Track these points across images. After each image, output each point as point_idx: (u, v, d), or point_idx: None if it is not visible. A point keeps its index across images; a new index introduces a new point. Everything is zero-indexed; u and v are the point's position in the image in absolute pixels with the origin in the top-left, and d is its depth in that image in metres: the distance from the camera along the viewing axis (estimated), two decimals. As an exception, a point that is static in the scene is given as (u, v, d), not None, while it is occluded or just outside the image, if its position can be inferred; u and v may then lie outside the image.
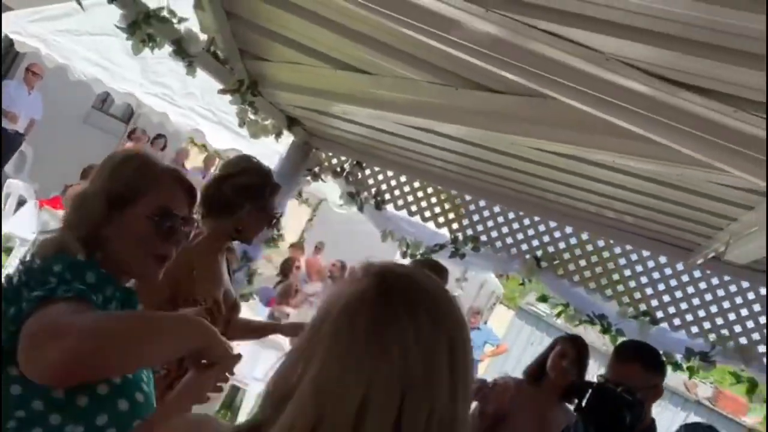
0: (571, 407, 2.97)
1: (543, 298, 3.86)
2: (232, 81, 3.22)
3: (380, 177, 4.15)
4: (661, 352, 3.39)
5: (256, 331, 2.93)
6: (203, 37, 3.06)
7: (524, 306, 11.71)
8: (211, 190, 2.32)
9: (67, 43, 6.36)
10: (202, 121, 6.65)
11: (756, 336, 3.34)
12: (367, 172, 4.18)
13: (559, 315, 3.72)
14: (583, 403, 2.26)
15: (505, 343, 9.68)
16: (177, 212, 1.43)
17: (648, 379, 2.33)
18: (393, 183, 4.12)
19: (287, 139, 4.13)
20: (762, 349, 3.32)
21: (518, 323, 11.41)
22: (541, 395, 2.95)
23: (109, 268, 1.32)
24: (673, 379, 11.26)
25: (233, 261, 2.52)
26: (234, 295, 2.44)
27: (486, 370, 9.57)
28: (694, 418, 10.35)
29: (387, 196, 4.12)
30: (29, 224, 5.63)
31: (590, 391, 2.25)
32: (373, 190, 4.14)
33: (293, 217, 11.71)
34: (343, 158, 4.18)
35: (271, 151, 4.60)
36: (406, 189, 4.09)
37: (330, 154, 4.18)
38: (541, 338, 9.45)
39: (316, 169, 4.10)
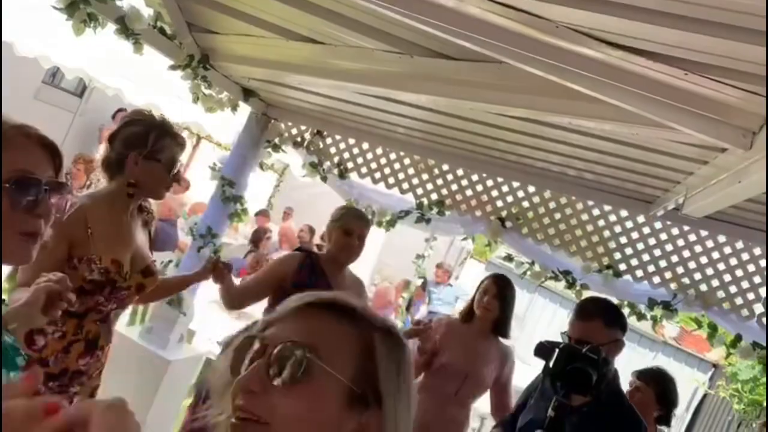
0: (506, 342, 3.33)
1: (508, 258, 3.91)
2: (181, 56, 3.13)
3: (342, 145, 4.11)
4: (625, 303, 3.52)
5: (175, 285, 2.90)
6: (148, 12, 2.95)
7: (494, 260, 11.87)
8: (105, 152, 2.27)
9: (9, 19, 6.09)
10: (158, 93, 6.47)
11: (715, 282, 3.44)
12: (329, 141, 4.13)
13: (524, 274, 3.77)
14: (550, 364, 2.31)
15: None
16: (38, 176, 1.15)
17: (609, 335, 2.40)
18: (355, 151, 4.09)
19: (245, 110, 4.05)
20: (721, 294, 3.43)
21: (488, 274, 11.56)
22: (471, 330, 3.26)
23: None
24: (641, 322, 11.62)
25: (151, 224, 2.46)
26: (149, 261, 2.36)
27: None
28: (661, 358, 10.75)
29: (350, 165, 4.09)
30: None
31: (556, 351, 2.30)
32: (336, 159, 4.10)
33: (259, 184, 11.59)
34: (303, 128, 4.11)
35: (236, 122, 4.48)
36: (369, 156, 4.06)
37: (290, 124, 4.12)
38: (511, 290, 9.61)
39: (276, 140, 4.04)
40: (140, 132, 2.23)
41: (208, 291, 5.33)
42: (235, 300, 2.97)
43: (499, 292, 3.25)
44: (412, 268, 8.39)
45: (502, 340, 3.32)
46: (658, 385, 2.95)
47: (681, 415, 9.32)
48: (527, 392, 2.82)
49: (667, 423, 3.00)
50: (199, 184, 7.39)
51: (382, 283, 8.44)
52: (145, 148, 2.21)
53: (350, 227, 3.02)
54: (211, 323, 5.93)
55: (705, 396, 10.05)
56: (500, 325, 3.28)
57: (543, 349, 2.42)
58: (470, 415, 3.34)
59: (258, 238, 8.53)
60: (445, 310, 9.67)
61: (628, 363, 11.16)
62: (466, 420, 3.30)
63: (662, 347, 11.02)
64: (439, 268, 9.67)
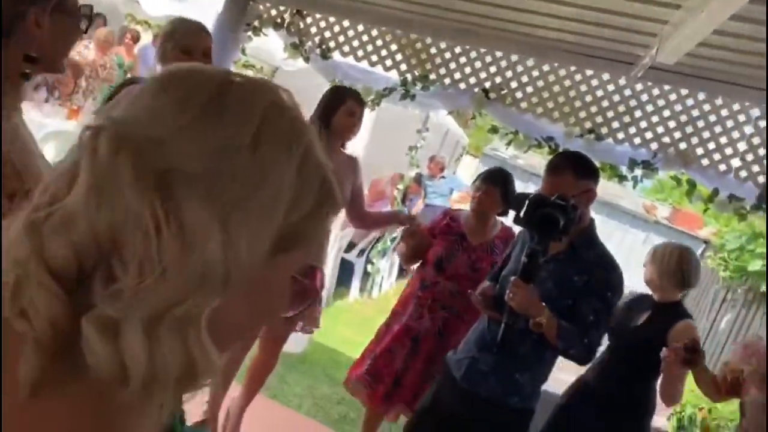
0: (350, 153, 3.32)
1: (494, 129, 3.96)
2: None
3: (323, 24, 4.06)
4: (607, 165, 3.61)
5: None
6: None
7: (488, 152, 11.94)
8: None
9: None
10: (135, -10, 6.32)
11: (695, 140, 3.51)
12: (309, 20, 4.08)
13: (509, 144, 3.83)
14: (521, 214, 2.42)
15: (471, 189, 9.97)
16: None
17: (580, 185, 2.48)
18: (336, 29, 4.04)
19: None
20: (700, 151, 3.51)
21: (483, 168, 11.66)
22: (326, 149, 3.14)
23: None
24: (633, 203, 11.87)
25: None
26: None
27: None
28: (653, 238, 11.00)
29: (332, 44, 4.06)
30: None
31: (526, 202, 2.41)
32: (317, 39, 4.07)
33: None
34: (282, 8, 4.06)
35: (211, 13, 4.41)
36: (351, 34, 4.02)
37: (268, 5, 4.05)
38: (505, 179, 9.72)
39: (256, 23, 3.99)
40: None
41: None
42: None
43: (362, 113, 3.22)
44: (402, 162, 8.44)
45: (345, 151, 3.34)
46: (502, 186, 3.18)
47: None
48: (510, 246, 2.96)
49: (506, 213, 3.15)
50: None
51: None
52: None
53: (188, 44, 2.43)
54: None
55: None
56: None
57: (516, 201, 2.53)
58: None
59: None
60: (441, 202, 9.82)
61: (621, 243, 11.46)
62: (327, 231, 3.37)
63: (654, 227, 11.27)
64: (431, 161, 9.74)
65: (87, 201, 0.50)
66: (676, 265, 2.92)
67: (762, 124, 3.41)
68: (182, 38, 2.41)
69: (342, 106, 3.14)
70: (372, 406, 3.38)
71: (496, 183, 3.20)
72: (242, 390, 3.30)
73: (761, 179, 3.41)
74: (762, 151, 3.42)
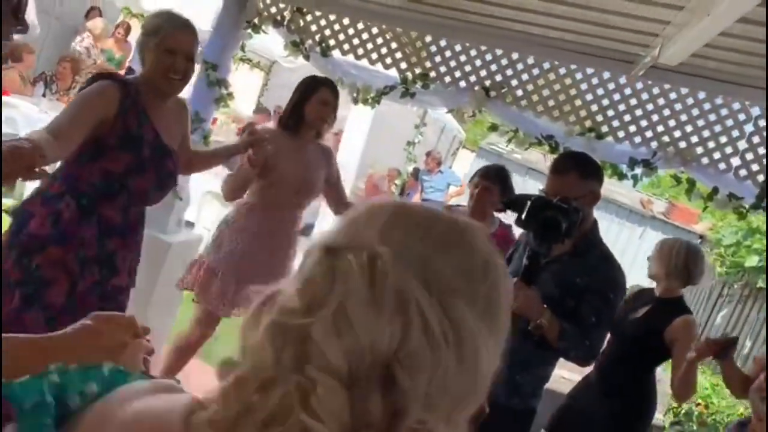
0: (323, 144, 3.39)
1: (493, 127, 3.96)
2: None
3: (323, 22, 4.05)
4: (608, 164, 3.62)
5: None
6: None
7: (484, 146, 11.92)
8: None
9: None
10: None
11: (694, 139, 3.51)
12: (309, 18, 4.06)
13: (509, 141, 3.83)
14: (523, 216, 2.41)
15: (467, 183, 9.98)
16: None
17: (584, 186, 2.48)
18: (336, 27, 4.03)
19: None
20: (700, 150, 3.52)
21: (479, 163, 11.66)
22: (299, 140, 3.20)
23: None
24: (629, 198, 11.88)
25: None
26: None
27: (453, 210, 9.90)
28: (650, 232, 11.04)
29: (332, 42, 4.05)
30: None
31: (528, 203, 2.40)
32: (317, 37, 4.06)
33: (248, 82, 11.42)
34: (282, 5, 4.04)
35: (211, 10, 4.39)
36: (351, 32, 4.01)
37: (268, 2, 4.04)
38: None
39: (256, 21, 3.97)
40: None
41: (203, 181, 5.43)
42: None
43: (336, 103, 3.23)
44: (400, 157, 8.45)
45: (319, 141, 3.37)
46: (501, 183, 3.23)
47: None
48: (513, 248, 2.97)
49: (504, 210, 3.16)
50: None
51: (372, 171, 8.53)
52: None
53: (174, 45, 2.31)
54: (207, 213, 6.07)
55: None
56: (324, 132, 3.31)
57: (516, 202, 2.52)
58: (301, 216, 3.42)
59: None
60: (438, 197, 9.84)
61: (618, 238, 11.45)
62: (299, 221, 3.39)
63: (651, 222, 11.28)
64: (428, 155, 9.75)
65: (366, 310, 0.53)
66: (684, 263, 2.92)
67: (762, 123, 3.42)
68: (167, 37, 2.32)
69: (315, 95, 3.13)
70: None
71: (494, 180, 3.21)
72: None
73: (760, 178, 3.42)
74: (762, 150, 3.43)
